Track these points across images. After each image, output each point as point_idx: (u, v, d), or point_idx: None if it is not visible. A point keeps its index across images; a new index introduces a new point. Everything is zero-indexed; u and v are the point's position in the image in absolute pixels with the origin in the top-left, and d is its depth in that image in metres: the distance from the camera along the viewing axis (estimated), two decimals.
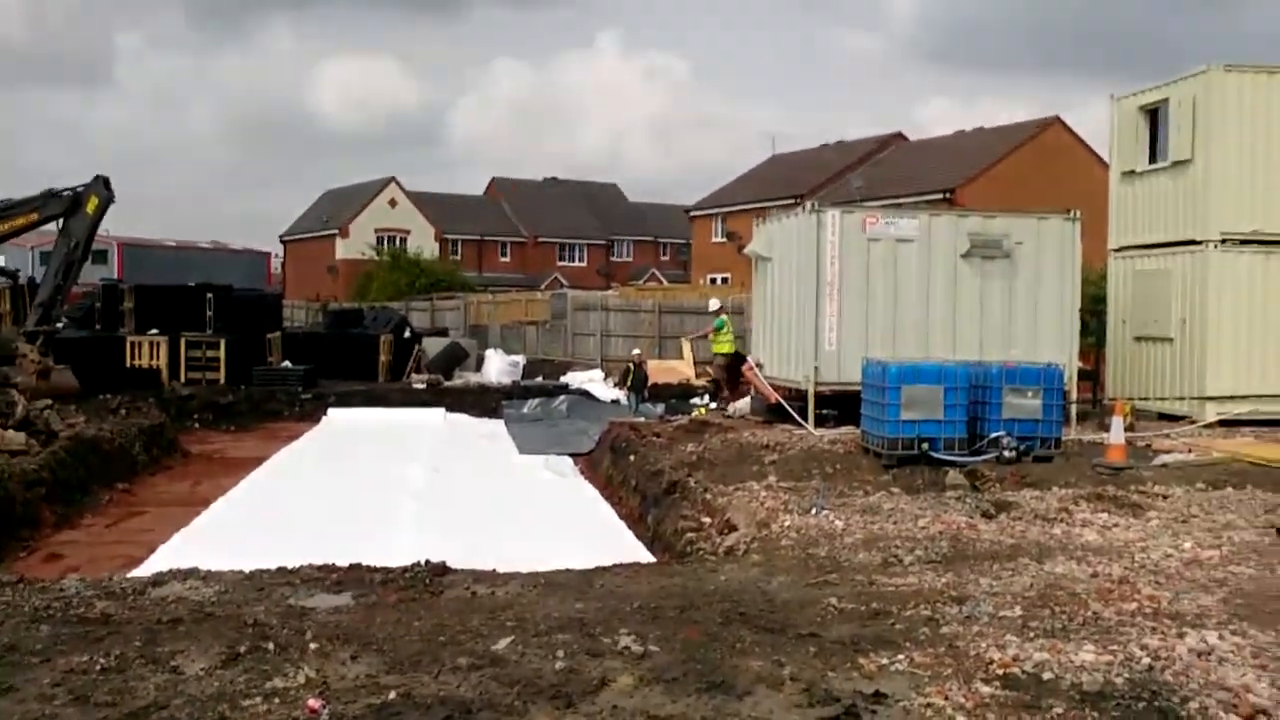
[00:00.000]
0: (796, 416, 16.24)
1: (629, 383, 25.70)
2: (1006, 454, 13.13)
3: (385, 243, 66.65)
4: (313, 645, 6.31)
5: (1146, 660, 6.07)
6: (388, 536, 11.90)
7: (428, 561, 8.34)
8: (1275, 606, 7.20)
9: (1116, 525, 9.93)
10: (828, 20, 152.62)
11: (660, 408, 23.36)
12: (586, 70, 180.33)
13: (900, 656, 6.15)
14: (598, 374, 31.38)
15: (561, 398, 26.79)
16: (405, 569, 8.20)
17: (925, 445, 12.97)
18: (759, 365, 18.28)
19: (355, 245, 67.06)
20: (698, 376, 28.37)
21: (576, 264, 77.23)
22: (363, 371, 29.95)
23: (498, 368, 32.23)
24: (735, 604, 7.22)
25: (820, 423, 16.08)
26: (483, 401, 27.38)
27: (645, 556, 11.35)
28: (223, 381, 26.51)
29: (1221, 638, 6.47)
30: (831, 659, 6.14)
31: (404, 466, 17.63)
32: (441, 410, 25.73)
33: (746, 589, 7.67)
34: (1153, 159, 19.59)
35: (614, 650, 6.22)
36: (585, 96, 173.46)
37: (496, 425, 24.27)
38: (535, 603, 7.35)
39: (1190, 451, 14.40)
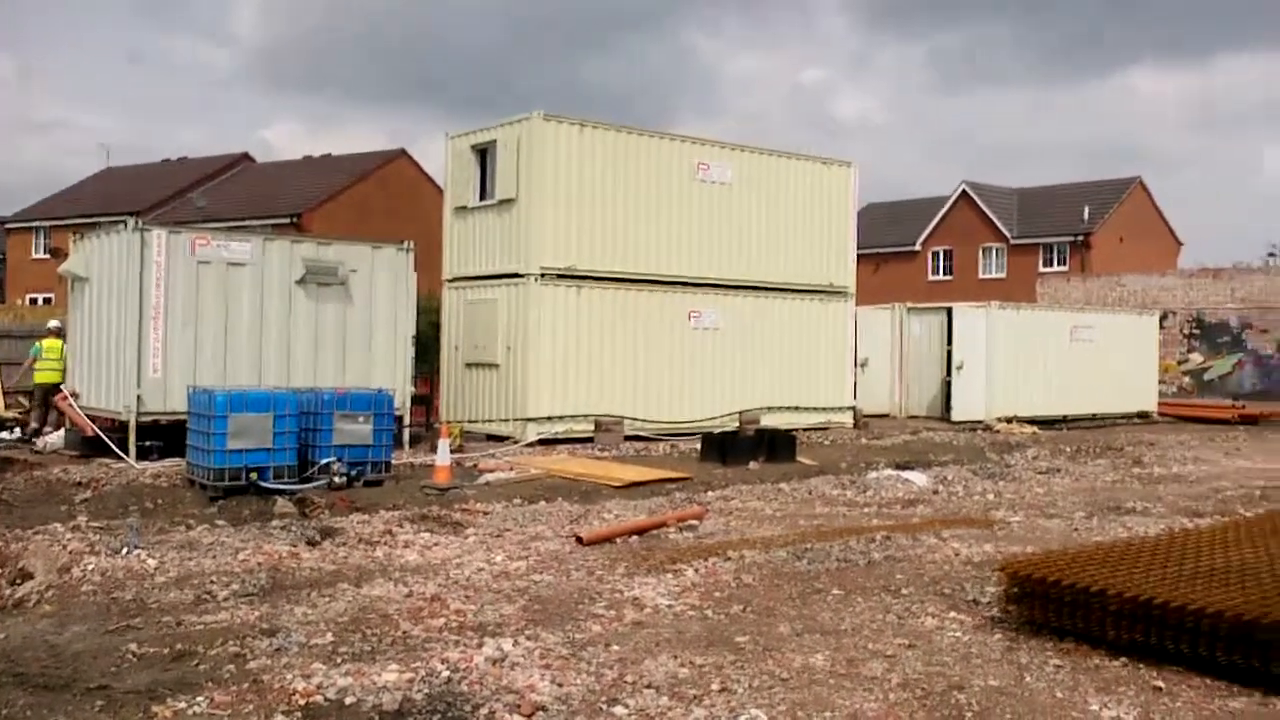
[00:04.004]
0: (116, 449, 15.06)
1: None
2: (337, 480, 13.16)
3: None
4: None
5: (446, 673, 6.26)
6: None
7: None
8: (565, 610, 7.81)
9: (437, 544, 10.26)
10: (175, 29, 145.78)
11: None
12: None
13: (200, 699, 5.80)
14: None
15: None
16: None
17: (254, 475, 12.61)
18: (74, 395, 16.71)
19: None
20: (7, 408, 25.35)
21: None
22: None
23: None
24: (13, 663, 6.41)
25: (144, 455, 15.05)
26: None
27: None
28: None
29: (516, 644, 6.88)
30: (122, 711, 5.65)
31: None
32: None
33: (30, 644, 6.85)
34: (482, 196, 20.86)
35: None
36: None
37: None
38: None
39: (512, 470, 15.41)
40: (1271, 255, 57.15)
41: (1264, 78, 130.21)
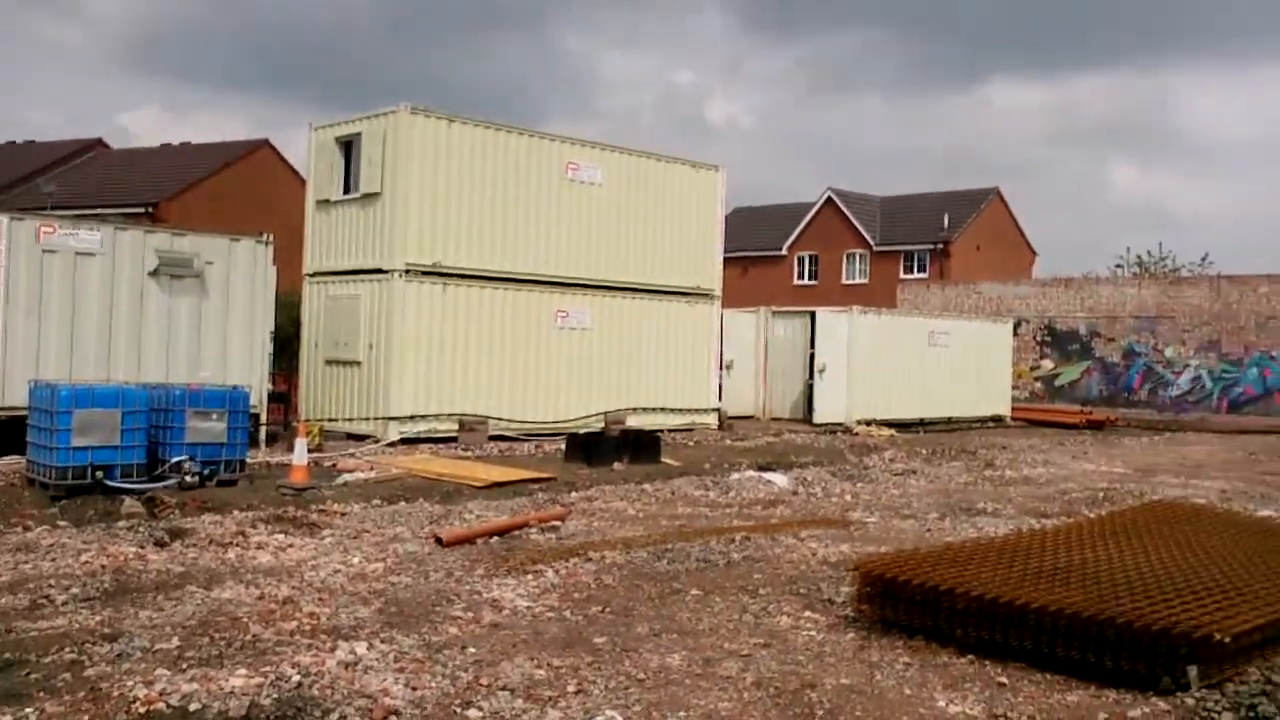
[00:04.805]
0: None
1: None
2: (189, 479, 12.74)
3: None
4: None
5: (297, 677, 6.11)
6: None
7: None
8: (422, 612, 7.70)
9: (292, 546, 10.02)
10: (31, 6, 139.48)
11: None
12: None
13: (29, 710, 5.54)
14: None
15: None
16: None
17: (100, 473, 12.12)
18: None
19: None
20: None
21: None
22: None
23: None
24: None
25: None
26: None
27: None
28: None
29: (370, 647, 6.75)
30: None
31: None
32: None
33: None
34: (347, 189, 20.46)
35: None
36: None
37: None
38: None
39: (372, 469, 15.14)
40: (1119, 266, 59.65)
41: (1112, 96, 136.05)
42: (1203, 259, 57.33)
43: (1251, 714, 5.76)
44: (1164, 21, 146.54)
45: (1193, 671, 6.18)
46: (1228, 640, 6.19)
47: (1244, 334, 33.24)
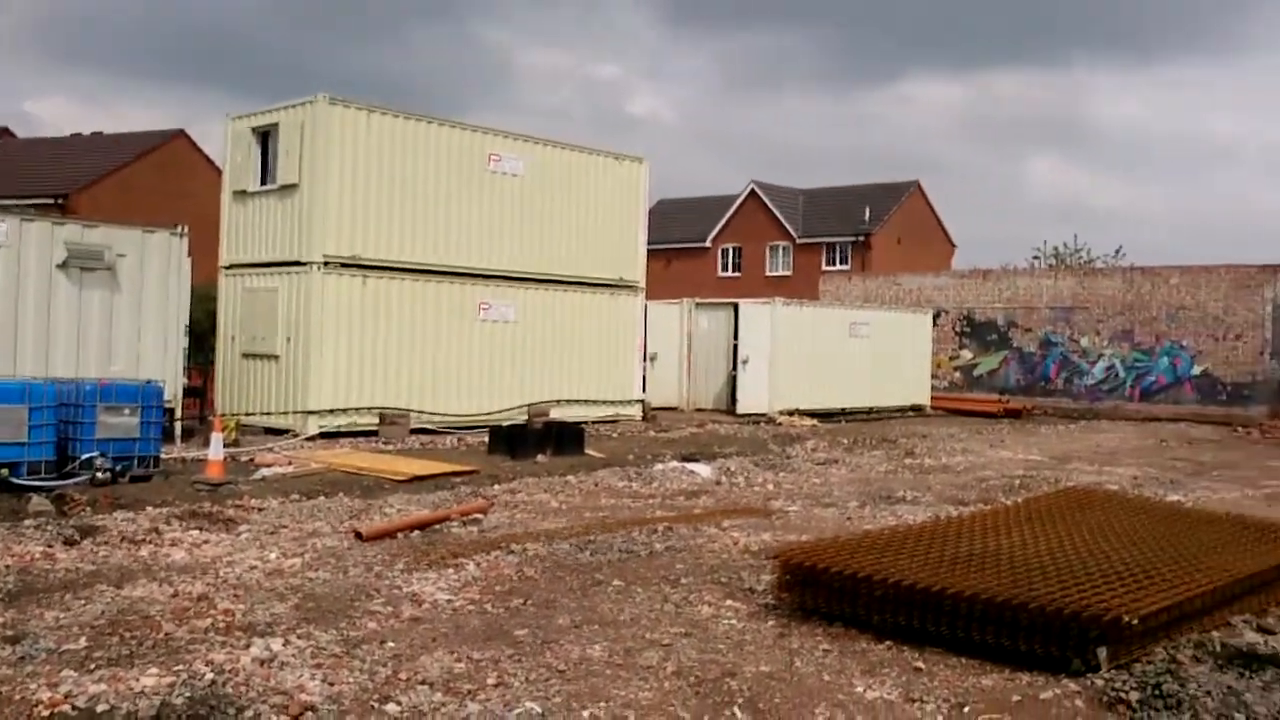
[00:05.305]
0: None
1: None
2: (100, 476, 12.45)
3: None
4: None
5: (210, 675, 5.99)
6: None
7: None
8: (341, 607, 7.60)
9: (207, 542, 9.84)
10: None
11: None
12: None
13: None
14: None
15: None
16: None
17: (5, 470, 11.80)
18: None
19: None
20: None
21: None
22: None
23: None
24: None
25: None
26: None
27: None
28: None
29: (287, 643, 6.65)
30: None
31: None
32: None
33: None
34: (264, 180, 20.13)
35: None
36: None
37: None
38: None
39: (291, 464, 14.91)
40: (1036, 258, 60.72)
41: (1029, 92, 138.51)
42: (1117, 251, 58.60)
43: (1156, 692, 5.89)
44: (1079, 19, 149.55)
45: (1103, 653, 6.31)
46: (1135, 622, 6.33)
47: (1156, 324, 34.03)
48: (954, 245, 62.34)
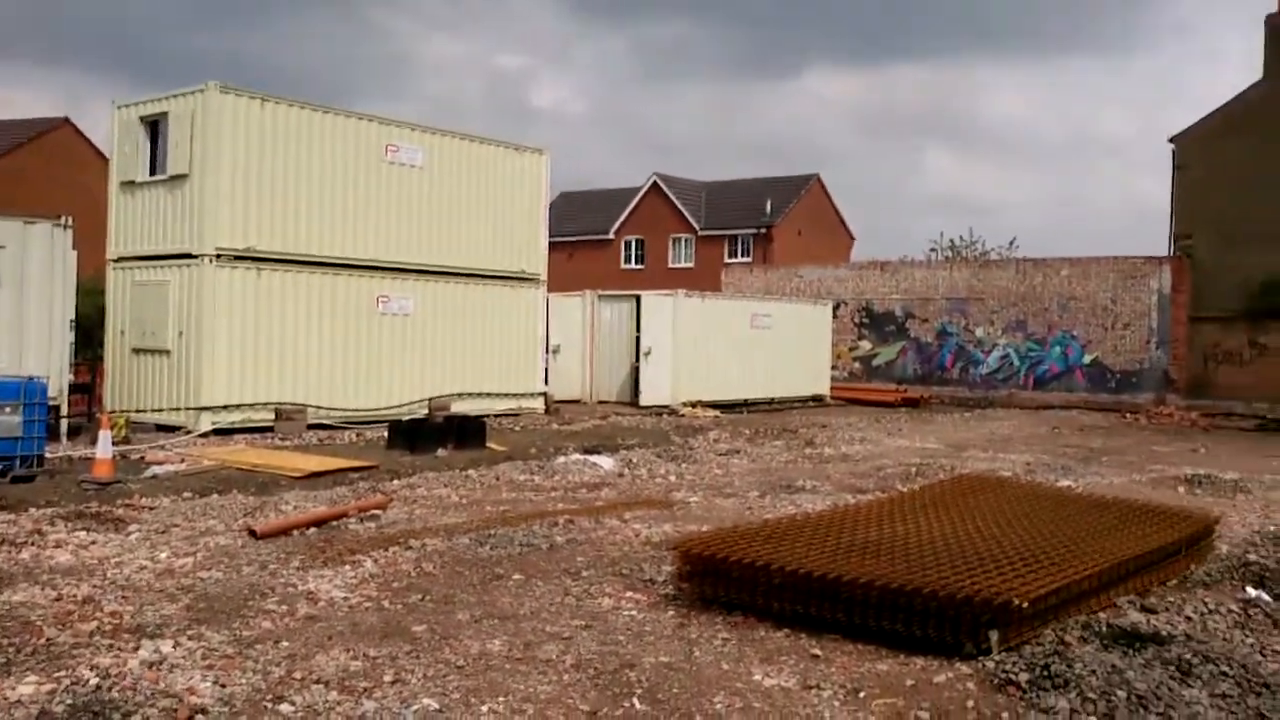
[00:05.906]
0: None
1: None
2: None
3: None
4: None
5: (95, 680, 5.81)
6: None
7: None
8: (234, 607, 7.43)
9: (94, 543, 9.54)
10: None
11: None
12: None
13: None
14: None
15: None
16: None
17: None
18: None
19: None
20: None
21: None
22: None
23: None
24: None
25: None
26: None
27: None
28: None
29: (177, 645, 6.48)
30: None
31: None
32: None
33: None
34: (153, 170, 19.60)
35: None
36: None
37: None
38: None
39: (183, 461, 14.57)
40: (933, 250, 61.81)
41: (925, 87, 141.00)
42: (1010, 243, 59.84)
43: (1045, 673, 6.03)
44: (973, 15, 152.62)
45: (994, 636, 6.44)
46: (1025, 605, 6.47)
47: (1048, 314, 34.88)
48: (853, 237, 63.29)
